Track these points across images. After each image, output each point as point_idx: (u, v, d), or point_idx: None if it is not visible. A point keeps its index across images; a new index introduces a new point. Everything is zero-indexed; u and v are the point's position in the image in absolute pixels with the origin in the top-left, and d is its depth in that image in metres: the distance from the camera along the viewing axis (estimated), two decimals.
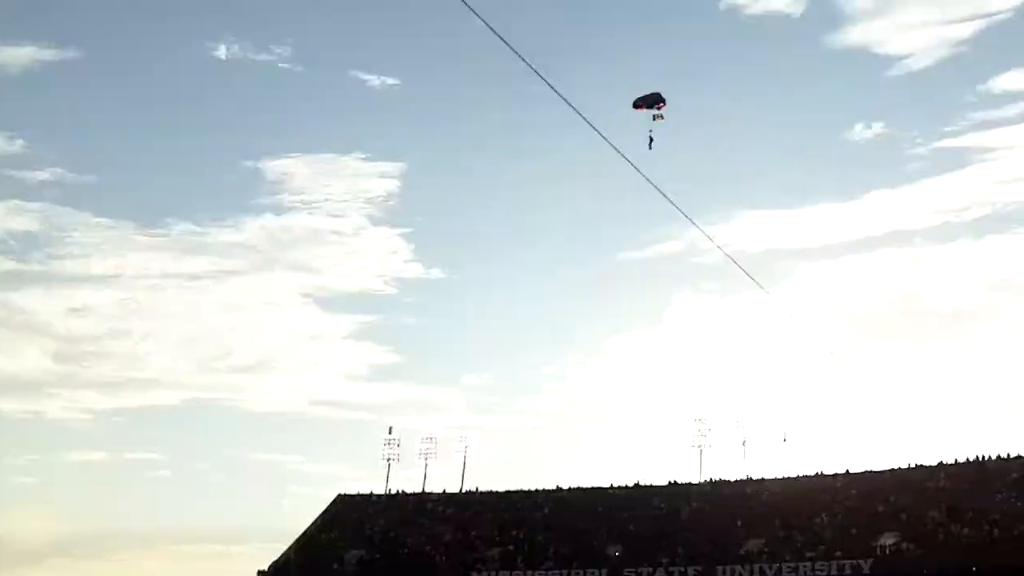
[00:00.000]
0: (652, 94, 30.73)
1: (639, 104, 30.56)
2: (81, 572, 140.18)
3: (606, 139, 21.51)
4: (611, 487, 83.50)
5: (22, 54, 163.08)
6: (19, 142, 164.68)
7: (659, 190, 23.94)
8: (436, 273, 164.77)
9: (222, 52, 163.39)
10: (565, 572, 72.71)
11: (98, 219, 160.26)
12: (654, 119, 29.99)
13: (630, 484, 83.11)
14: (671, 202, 24.74)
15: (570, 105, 19.79)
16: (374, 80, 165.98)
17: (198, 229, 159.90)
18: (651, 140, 29.81)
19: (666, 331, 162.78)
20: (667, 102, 30.35)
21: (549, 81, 18.95)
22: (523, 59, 18.18)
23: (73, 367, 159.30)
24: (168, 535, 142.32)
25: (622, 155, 22.23)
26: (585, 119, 20.37)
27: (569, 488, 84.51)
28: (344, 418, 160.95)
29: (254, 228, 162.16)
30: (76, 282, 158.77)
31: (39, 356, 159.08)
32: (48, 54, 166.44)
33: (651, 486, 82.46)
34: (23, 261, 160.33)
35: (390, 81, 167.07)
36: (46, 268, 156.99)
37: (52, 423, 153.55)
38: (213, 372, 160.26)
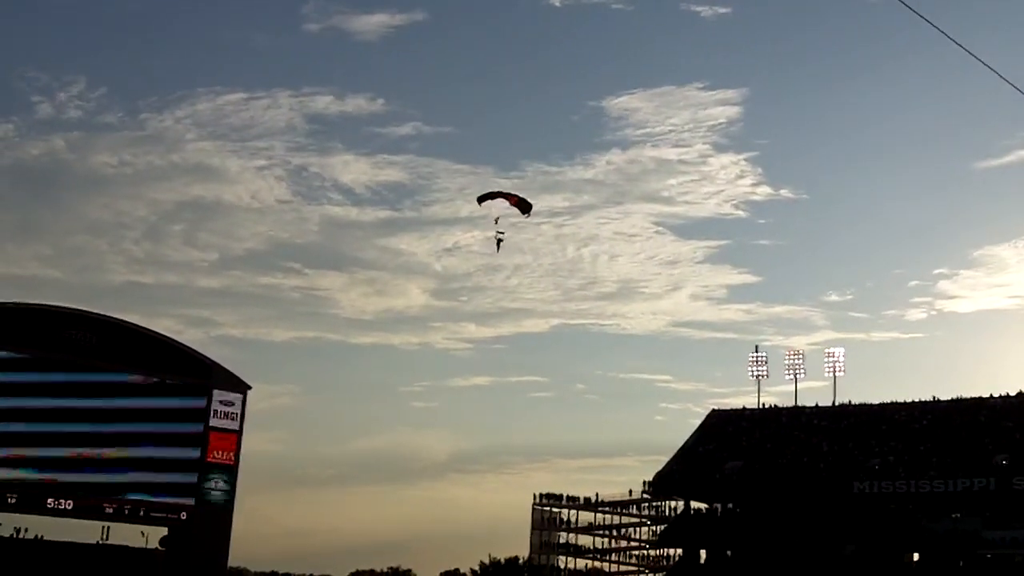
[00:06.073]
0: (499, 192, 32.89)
1: (483, 199, 32.90)
2: (478, 484, 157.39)
3: (955, 42, 20.97)
4: (991, 396, 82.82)
5: (374, 21, 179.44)
6: (380, 101, 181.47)
7: (1020, 91, 23.08)
8: (786, 194, 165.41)
9: (557, 0, 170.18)
10: (951, 482, 73.99)
11: (458, 166, 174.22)
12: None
13: (1012, 393, 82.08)
14: None
15: (914, 11, 19.69)
16: (706, 10, 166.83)
17: (552, 168, 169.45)
18: (498, 243, 32.47)
19: None
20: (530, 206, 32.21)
21: None
22: None
23: (452, 302, 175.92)
24: (553, 450, 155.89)
25: (978, 59, 21.57)
26: (933, 24, 20.05)
27: (947, 399, 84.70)
28: (707, 338, 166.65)
29: (602, 164, 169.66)
30: (446, 225, 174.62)
31: (420, 293, 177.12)
32: (398, 19, 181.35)
33: None
34: (396, 209, 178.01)
35: (721, 10, 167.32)
36: (418, 214, 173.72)
37: (438, 352, 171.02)
38: (579, 300, 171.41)
